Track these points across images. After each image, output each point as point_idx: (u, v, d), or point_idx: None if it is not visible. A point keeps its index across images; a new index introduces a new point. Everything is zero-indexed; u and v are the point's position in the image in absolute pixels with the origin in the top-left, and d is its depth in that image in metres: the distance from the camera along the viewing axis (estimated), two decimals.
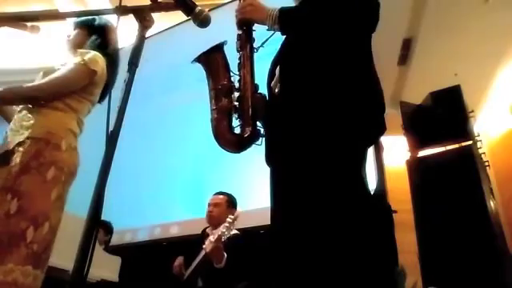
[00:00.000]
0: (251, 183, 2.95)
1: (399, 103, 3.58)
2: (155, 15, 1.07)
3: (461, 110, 3.14)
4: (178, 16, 1.71)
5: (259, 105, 1.26)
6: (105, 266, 2.72)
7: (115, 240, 3.57)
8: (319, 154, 1.06)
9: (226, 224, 2.30)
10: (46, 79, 1.54)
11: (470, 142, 3.03)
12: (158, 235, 3.48)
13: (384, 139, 3.59)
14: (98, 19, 1.77)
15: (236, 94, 1.27)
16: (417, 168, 3.21)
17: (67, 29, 1.80)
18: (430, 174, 3.05)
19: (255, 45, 1.32)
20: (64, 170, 1.47)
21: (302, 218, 1.04)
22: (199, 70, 1.34)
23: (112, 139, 0.89)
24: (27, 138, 1.45)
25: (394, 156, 4.02)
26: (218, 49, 1.30)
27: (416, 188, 3.13)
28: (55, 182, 1.43)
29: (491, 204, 2.84)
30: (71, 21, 1.81)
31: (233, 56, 1.32)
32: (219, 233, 2.28)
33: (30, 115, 1.52)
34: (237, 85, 1.28)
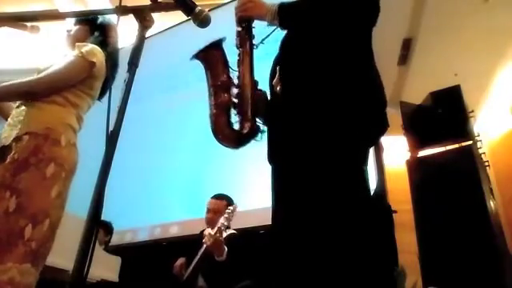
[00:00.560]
0: (251, 183, 2.95)
1: (399, 103, 3.58)
2: (155, 15, 1.07)
3: (461, 110, 3.14)
4: (178, 16, 1.71)
5: (259, 101, 1.26)
6: (105, 266, 2.72)
7: (115, 240, 3.57)
8: (321, 152, 1.05)
9: (225, 215, 2.31)
10: (43, 73, 1.52)
11: (470, 142, 3.03)
12: (158, 235, 3.47)
13: (384, 139, 3.59)
14: (101, 17, 1.76)
15: (235, 91, 1.26)
16: (417, 168, 3.21)
17: (68, 25, 1.79)
18: (430, 174, 3.06)
19: (255, 42, 1.31)
20: (64, 166, 1.45)
21: (303, 217, 1.04)
22: (199, 69, 1.34)
23: (112, 139, 0.89)
24: (25, 133, 1.42)
25: (393, 156, 4.02)
26: (217, 45, 1.30)
27: (416, 188, 3.13)
28: (55, 178, 1.41)
29: (491, 204, 2.84)
30: (71, 21, 1.80)
31: (233, 56, 1.32)
32: (218, 225, 2.29)
33: (27, 110, 1.49)
34: (236, 81, 1.27)
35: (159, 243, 3.44)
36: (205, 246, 2.34)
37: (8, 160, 1.38)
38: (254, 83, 1.26)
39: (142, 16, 1.03)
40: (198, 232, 2.71)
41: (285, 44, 1.28)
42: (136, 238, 3.58)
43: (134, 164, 3.68)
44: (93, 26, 1.74)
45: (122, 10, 1.04)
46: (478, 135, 3.13)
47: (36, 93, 1.50)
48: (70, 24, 1.78)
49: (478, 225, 2.66)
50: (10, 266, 1.25)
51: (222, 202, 2.62)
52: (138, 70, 1.00)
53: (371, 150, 1.35)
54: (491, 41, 3.72)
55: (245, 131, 1.22)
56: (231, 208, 2.36)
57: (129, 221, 3.63)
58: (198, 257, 2.38)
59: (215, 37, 1.32)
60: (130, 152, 3.46)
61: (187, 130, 3.59)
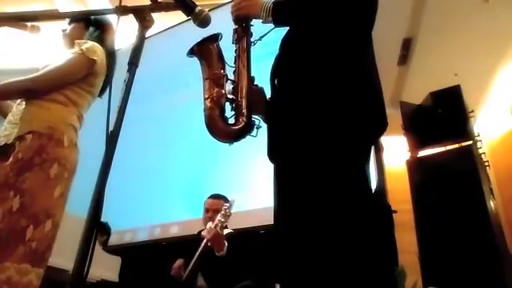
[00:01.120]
0: (251, 183, 2.95)
1: (399, 103, 3.59)
2: (155, 15, 1.07)
3: (461, 110, 3.14)
4: (178, 16, 1.71)
5: (256, 97, 1.25)
6: (105, 266, 2.72)
7: (115, 240, 3.57)
8: (321, 151, 1.05)
9: (222, 212, 2.31)
10: (44, 70, 1.51)
11: (470, 142, 3.03)
12: (158, 235, 3.47)
13: (384, 139, 3.59)
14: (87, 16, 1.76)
15: (231, 86, 1.25)
16: (417, 168, 3.21)
17: (63, 25, 1.78)
18: (430, 174, 3.06)
19: (253, 39, 1.31)
20: (67, 166, 1.45)
21: (304, 217, 1.03)
22: (199, 69, 1.33)
23: (112, 139, 0.89)
24: (28, 132, 1.42)
25: (393, 156, 4.02)
26: (212, 39, 1.29)
27: (416, 188, 3.13)
28: (58, 179, 1.41)
29: (491, 204, 2.84)
30: (66, 21, 1.80)
31: (232, 55, 1.32)
32: (216, 222, 2.28)
33: (28, 107, 1.49)
34: (232, 77, 1.27)
35: (159, 243, 3.43)
36: (204, 241, 2.33)
37: (12, 159, 1.38)
38: (251, 78, 1.26)
39: (142, 16, 1.03)
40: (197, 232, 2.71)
41: (285, 43, 1.28)
42: (136, 237, 3.58)
43: (133, 164, 3.68)
44: (87, 22, 1.74)
45: (122, 10, 1.04)
46: (478, 135, 3.13)
47: (37, 89, 1.49)
48: (65, 24, 1.78)
49: (478, 225, 2.66)
50: (7, 266, 1.25)
51: (220, 201, 2.61)
52: (137, 69, 1.00)
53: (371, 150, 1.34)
54: (491, 41, 3.72)
55: (239, 126, 1.20)
56: (227, 205, 2.35)
57: (129, 221, 3.63)
58: (197, 254, 2.38)
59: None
60: (130, 152, 3.46)
61: (187, 130, 3.59)
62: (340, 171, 1.04)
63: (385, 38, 3.21)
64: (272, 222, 1.20)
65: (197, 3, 1.08)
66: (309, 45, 1.16)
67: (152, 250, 3.45)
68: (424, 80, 3.88)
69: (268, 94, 1.30)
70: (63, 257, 2.00)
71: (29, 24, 1.66)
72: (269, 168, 1.25)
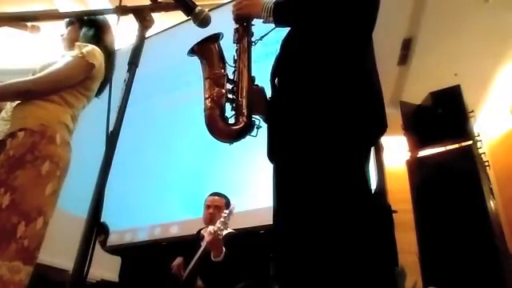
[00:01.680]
0: (251, 183, 2.95)
1: (399, 103, 3.59)
2: (155, 15, 1.07)
3: (461, 110, 3.14)
4: (178, 16, 1.71)
5: (256, 96, 1.25)
6: (105, 266, 2.72)
7: (115, 240, 3.57)
8: (321, 151, 1.05)
9: (222, 219, 2.31)
10: (43, 73, 1.50)
11: (470, 142, 3.03)
12: (158, 235, 3.47)
13: (384, 139, 3.59)
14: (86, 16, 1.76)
15: (231, 85, 1.25)
16: (417, 168, 3.21)
17: (61, 29, 1.79)
18: (430, 174, 3.06)
19: (253, 39, 1.31)
20: (59, 164, 1.44)
21: (303, 217, 1.03)
22: (199, 69, 1.33)
23: (112, 139, 0.89)
24: (20, 129, 1.41)
25: (393, 156, 4.02)
26: (213, 39, 1.29)
27: (416, 188, 3.13)
28: (50, 176, 1.40)
29: (491, 204, 2.84)
30: (63, 25, 1.80)
31: (233, 54, 1.32)
32: (215, 228, 2.29)
33: (22, 105, 1.48)
34: (232, 76, 1.27)
35: (159, 243, 3.43)
36: (204, 244, 2.34)
37: (3, 156, 1.37)
38: (251, 78, 1.26)
39: (142, 16, 1.03)
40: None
41: (286, 43, 1.28)
42: (136, 237, 3.58)
43: (133, 164, 3.68)
44: (81, 22, 1.73)
45: (122, 10, 1.04)
46: (478, 135, 3.14)
47: (36, 92, 1.49)
48: (63, 28, 1.78)
49: (478, 225, 2.66)
50: None
51: (222, 199, 2.64)
52: (137, 69, 1.00)
53: (371, 150, 1.34)
54: (491, 41, 3.72)
55: (239, 126, 1.20)
56: (227, 212, 2.35)
57: (128, 221, 3.63)
58: (196, 256, 2.38)
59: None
60: (129, 152, 3.46)
61: (187, 130, 3.59)
62: (339, 171, 1.04)
63: (385, 38, 3.21)
64: (272, 222, 1.20)
65: (197, 3, 1.08)
66: (309, 45, 1.16)
67: (152, 250, 3.44)
68: (424, 80, 3.88)
69: (268, 94, 1.30)
70: (63, 257, 2.01)
71: (29, 24, 1.66)
72: (269, 168, 1.25)
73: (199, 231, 2.65)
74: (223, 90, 1.22)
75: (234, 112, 1.23)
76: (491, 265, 2.53)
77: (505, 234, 2.94)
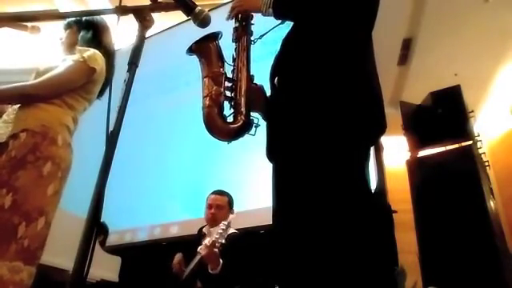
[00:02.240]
0: (251, 183, 2.95)
1: (399, 103, 3.59)
2: (155, 15, 1.07)
3: (461, 110, 3.14)
4: (178, 16, 1.71)
5: (255, 95, 1.25)
6: (105, 266, 2.72)
7: (115, 240, 3.57)
8: (321, 151, 1.05)
9: (220, 230, 2.23)
10: (45, 77, 1.51)
11: (470, 142, 3.03)
12: (158, 235, 3.47)
13: (384, 139, 3.59)
14: (89, 17, 1.76)
15: (230, 84, 1.25)
16: (417, 168, 3.21)
17: (61, 30, 1.79)
18: (430, 174, 3.06)
19: (253, 38, 1.31)
20: (61, 165, 1.45)
21: (303, 217, 1.03)
22: (199, 69, 1.33)
23: (112, 139, 0.89)
24: (22, 130, 1.42)
25: (394, 156, 4.02)
26: (212, 38, 1.29)
27: (416, 188, 3.14)
28: (52, 177, 1.41)
29: (491, 204, 2.84)
30: (62, 28, 1.80)
31: (232, 54, 1.32)
32: (213, 239, 2.21)
33: (24, 107, 1.49)
34: (231, 75, 1.27)
35: (159, 243, 3.43)
36: (199, 256, 2.27)
37: (4, 157, 1.38)
38: (250, 77, 1.25)
39: (142, 16, 1.03)
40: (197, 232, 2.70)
41: (286, 42, 1.27)
42: (136, 237, 3.58)
43: (133, 164, 3.68)
44: (79, 25, 1.74)
45: (122, 10, 1.04)
46: (478, 135, 3.14)
47: (37, 96, 1.50)
48: (61, 31, 1.78)
49: (478, 225, 2.66)
50: None
51: (224, 197, 2.57)
52: (137, 69, 1.00)
53: (371, 150, 1.34)
54: (491, 41, 3.73)
55: (238, 124, 1.19)
56: (225, 223, 2.26)
57: (128, 221, 3.63)
58: (194, 261, 2.34)
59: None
60: (129, 152, 3.46)
61: (187, 130, 3.58)
62: (339, 171, 1.04)
63: (385, 38, 3.21)
64: (272, 222, 1.19)
65: (197, 3, 1.08)
66: (309, 44, 1.16)
67: (152, 250, 3.44)
68: (424, 80, 3.88)
69: (268, 93, 1.30)
70: (63, 257, 2.01)
71: (29, 25, 1.66)
72: (268, 168, 1.25)
73: (200, 229, 2.63)
74: (222, 89, 1.22)
75: (232, 110, 1.22)
76: (491, 265, 2.53)
77: (505, 234, 2.94)
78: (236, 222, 2.58)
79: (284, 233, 1.09)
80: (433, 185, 2.99)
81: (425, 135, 3.25)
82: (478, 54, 3.87)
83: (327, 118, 1.07)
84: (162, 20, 4.10)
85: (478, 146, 3.08)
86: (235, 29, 1.31)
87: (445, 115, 3.18)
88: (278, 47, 1.30)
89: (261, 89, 1.29)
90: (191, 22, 1.08)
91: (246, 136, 1.22)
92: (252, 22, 1.33)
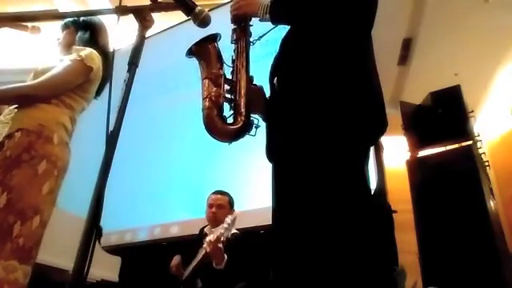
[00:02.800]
0: (251, 183, 2.95)
1: (399, 103, 3.59)
2: (155, 15, 1.07)
3: (461, 110, 3.14)
4: (178, 16, 1.71)
5: (255, 96, 1.25)
6: (105, 266, 2.72)
7: (115, 240, 3.57)
8: (320, 152, 1.05)
9: (225, 225, 2.25)
10: (44, 78, 1.51)
11: (469, 142, 3.03)
12: (158, 235, 3.47)
13: (384, 139, 3.59)
14: (87, 17, 1.76)
15: (230, 85, 1.25)
16: (417, 168, 3.21)
17: (57, 32, 1.79)
18: (430, 174, 3.06)
19: (252, 39, 1.31)
20: (57, 164, 1.45)
21: (303, 217, 1.03)
22: (199, 69, 1.33)
23: (112, 139, 0.89)
24: (17, 129, 1.42)
25: (394, 156, 4.02)
26: (211, 39, 1.29)
27: (416, 188, 3.13)
28: (47, 175, 1.40)
29: (491, 204, 2.84)
30: (59, 29, 1.80)
31: (231, 55, 1.32)
32: (218, 234, 2.24)
33: (21, 108, 1.49)
34: (230, 76, 1.27)
35: (159, 243, 3.43)
36: (204, 251, 2.29)
37: (0, 157, 1.38)
38: (249, 78, 1.26)
39: (142, 16, 1.03)
40: (198, 232, 2.70)
41: (285, 43, 1.28)
42: (136, 237, 3.58)
43: (133, 164, 3.68)
44: (76, 25, 1.74)
45: (121, 10, 1.04)
46: (478, 135, 3.14)
47: (36, 97, 1.50)
48: (58, 32, 1.78)
49: (478, 225, 2.66)
50: None
51: (225, 197, 2.59)
52: (137, 69, 1.00)
53: (371, 150, 1.34)
54: (491, 41, 3.73)
55: (238, 125, 1.19)
56: (231, 218, 2.28)
57: (129, 221, 3.63)
58: (197, 259, 2.36)
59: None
60: (129, 152, 3.46)
61: (187, 130, 3.59)
62: (339, 171, 1.04)
63: (385, 38, 3.21)
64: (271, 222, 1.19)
65: (197, 3, 1.08)
66: (308, 45, 1.16)
67: (152, 250, 3.45)
68: (424, 80, 3.88)
69: (267, 94, 1.30)
70: (63, 257, 2.01)
71: (29, 25, 1.67)
72: (269, 168, 1.25)
73: (202, 229, 2.64)
74: (221, 90, 1.22)
75: (232, 112, 1.22)
76: (491, 265, 2.53)
77: (505, 234, 2.94)
78: (236, 222, 2.59)
79: (284, 233, 1.09)
80: (433, 185, 2.98)
81: (425, 135, 3.25)
82: (478, 54, 3.87)
83: (327, 118, 1.06)
84: (162, 20, 4.10)
85: (478, 146, 3.08)
86: (234, 30, 1.31)
87: (445, 115, 3.18)
88: (277, 47, 1.30)
89: (260, 90, 1.29)
90: (191, 21, 1.08)
91: (246, 136, 1.22)
92: (251, 23, 1.33)
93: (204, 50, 1.29)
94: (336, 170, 1.04)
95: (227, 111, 1.23)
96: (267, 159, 1.24)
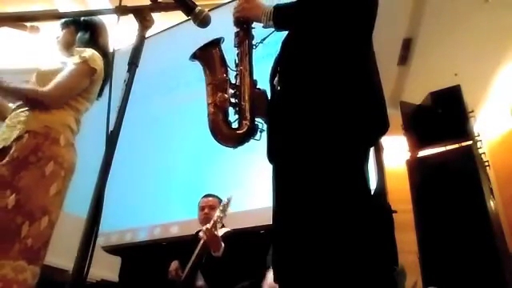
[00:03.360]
0: (251, 183, 2.95)
1: (399, 103, 3.58)
2: (155, 15, 1.07)
3: (461, 110, 3.14)
4: (178, 16, 1.71)
5: (258, 100, 1.25)
6: (105, 266, 2.72)
7: (115, 240, 3.57)
8: (321, 152, 1.05)
9: (221, 208, 2.33)
10: (53, 86, 1.53)
11: (469, 142, 3.03)
12: (158, 235, 3.47)
13: (384, 139, 3.59)
14: (87, 17, 1.77)
15: (234, 90, 1.26)
16: (417, 168, 3.21)
17: (56, 30, 1.80)
18: (430, 174, 3.05)
19: (254, 42, 1.31)
20: (63, 165, 1.46)
21: (303, 217, 1.03)
22: (200, 70, 1.34)
23: (112, 139, 0.89)
24: (25, 132, 1.44)
25: (394, 156, 4.01)
26: (215, 44, 1.30)
27: (416, 188, 3.13)
28: (54, 176, 1.42)
29: (491, 204, 2.84)
30: (58, 27, 1.81)
31: (233, 56, 1.32)
32: (214, 218, 2.30)
33: (26, 110, 1.51)
34: (234, 80, 1.27)
35: (159, 243, 3.43)
36: (202, 242, 2.36)
37: (7, 159, 1.39)
38: (253, 82, 1.26)
39: (142, 16, 1.03)
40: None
41: (286, 44, 1.28)
42: (136, 237, 3.58)
43: (134, 164, 3.68)
44: (77, 25, 1.75)
45: (121, 10, 1.04)
46: (478, 135, 3.13)
47: (43, 103, 1.52)
48: (58, 30, 1.79)
49: (478, 225, 2.66)
50: (2, 263, 1.26)
51: (215, 199, 2.67)
52: (137, 69, 1.00)
53: (371, 150, 1.34)
54: (491, 41, 3.72)
55: (243, 130, 1.21)
56: (226, 199, 2.37)
57: (128, 221, 3.63)
58: (195, 253, 2.39)
59: (215, 37, 1.32)
60: (129, 152, 3.46)
61: (187, 130, 3.59)
62: (339, 172, 1.04)
63: (385, 38, 3.21)
64: (271, 222, 1.19)
65: (197, 3, 1.08)
66: (309, 46, 1.16)
67: (152, 250, 3.45)
68: (424, 80, 3.88)
69: (268, 96, 1.30)
70: (63, 257, 2.01)
71: (28, 25, 1.67)
72: (269, 168, 1.25)
73: (197, 232, 2.65)
74: (226, 95, 1.23)
75: (237, 116, 1.23)
76: (491, 265, 2.53)
77: (505, 234, 2.94)
78: (236, 222, 2.59)
79: (284, 233, 1.10)
80: (433, 185, 2.98)
81: (425, 135, 3.24)
82: (478, 54, 3.87)
83: (327, 118, 1.07)
84: (162, 20, 4.10)
85: (478, 146, 3.07)
86: (236, 33, 1.31)
87: (445, 115, 3.17)
88: (277, 49, 1.30)
89: (263, 94, 1.30)
90: (191, 22, 1.08)
91: None
92: (253, 25, 1.32)
93: (208, 55, 1.29)
94: (336, 170, 1.04)
95: (232, 115, 1.24)
96: (268, 160, 1.24)
